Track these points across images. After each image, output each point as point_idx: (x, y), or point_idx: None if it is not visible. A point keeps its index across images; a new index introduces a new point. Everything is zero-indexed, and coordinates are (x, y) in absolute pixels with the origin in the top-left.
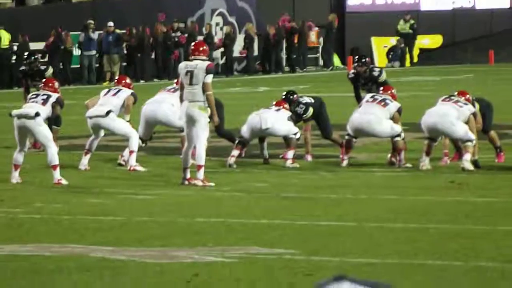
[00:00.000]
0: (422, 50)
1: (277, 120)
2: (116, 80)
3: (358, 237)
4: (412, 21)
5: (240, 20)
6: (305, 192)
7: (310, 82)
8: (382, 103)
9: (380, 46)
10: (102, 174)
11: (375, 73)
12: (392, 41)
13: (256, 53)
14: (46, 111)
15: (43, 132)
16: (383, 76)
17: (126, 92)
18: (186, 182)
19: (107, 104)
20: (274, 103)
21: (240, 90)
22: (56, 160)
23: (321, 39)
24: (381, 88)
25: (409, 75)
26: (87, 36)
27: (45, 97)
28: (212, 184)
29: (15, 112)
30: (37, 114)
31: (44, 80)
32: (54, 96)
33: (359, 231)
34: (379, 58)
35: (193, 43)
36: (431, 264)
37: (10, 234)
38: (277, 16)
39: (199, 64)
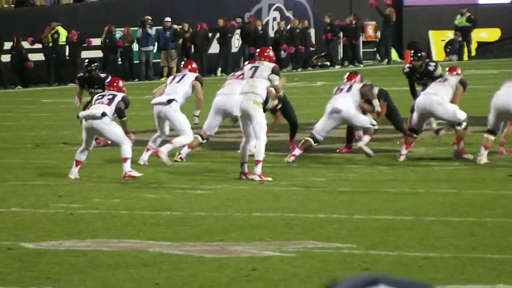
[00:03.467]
0: (480, 44)
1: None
2: (182, 65)
3: (416, 231)
4: (468, 14)
5: (297, 15)
6: (362, 187)
7: (367, 76)
8: (443, 80)
9: (438, 39)
10: (159, 169)
11: (430, 68)
12: (450, 34)
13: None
14: (112, 110)
15: (112, 130)
16: (439, 71)
17: (190, 77)
18: (244, 177)
19: (173, 93)
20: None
21: (298, 85)
22: (128, 154)
23: (378, 33)
24: (447, 69)
25: (467, 69)
26: (144, 32)
27: (110, 96)
28: (270, 179)
29: (82, 114)
30: (103, 114)
31: (107, 82)
32: (120, 96)
33: (416, 225)
34: (437, 52)
35: (258, 49)
36: (490, 258)
37: (69, 229)
38: (334, 10)
39: (266, 63)
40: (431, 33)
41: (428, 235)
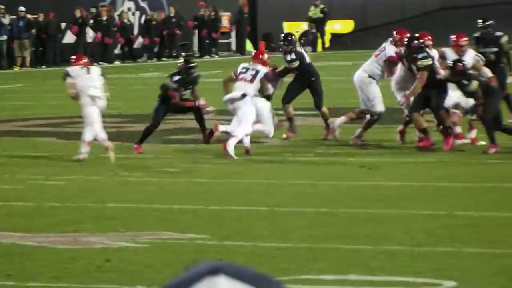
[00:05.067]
0: (334, 35)
1: None
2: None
3: (270, 222)
4: (322, 6)
5: (152, 6)
6: (217, 178)
7: (223, 67)
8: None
9: (292, 31)
10: (12, 160)
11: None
12: (304, 26)
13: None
14: (254, 88)
15: (245, 110)
16: (296, 64)
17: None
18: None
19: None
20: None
21: (153, 75)
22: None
23: (233, 25)
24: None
25: (321, 60)
26: None
27: (253, 72)
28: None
29: (226, 97)
30: (243, 96)
31: (253, 52)
32: (263, 71)
33: (270, 216)
34: None
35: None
36: (342, 248)
37: None
38: (190, 1)
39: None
40: (285, 24)
41: (282, 226)
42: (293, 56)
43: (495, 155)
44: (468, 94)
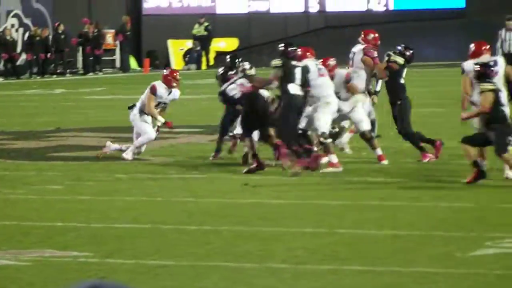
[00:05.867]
0: (218, 53)
1: None
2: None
3: (153, 239)
4: (206, 24)
5: (36, 22)
6: (100, 195)
7: (107, 84)
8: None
9: (177, 49)
10: None
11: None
12: (189, 44)
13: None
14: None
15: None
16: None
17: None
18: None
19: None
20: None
21: (36, 92)
22: None
23: (118, 41)
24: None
25: (206, 78)
26: None
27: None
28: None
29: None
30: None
31: None
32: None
33: (153, 233)
34: (176, 61)
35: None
36: (225, 265)
37: None
38: (73, 18)
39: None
40: (170, 42)
41: (165, 243)
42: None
43: (377, 173)
44: None
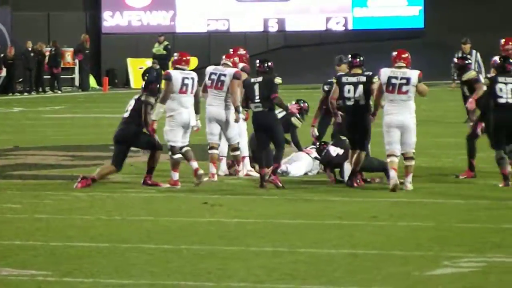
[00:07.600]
0: None
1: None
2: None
3: (111, 258)
4: (166, 43)
5: None
6: (58, 213)
7: (66, 102)
8: None
9: (136, 67)
10: None
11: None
12: (148, 62)
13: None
14: None
15: None
16: None
17: None
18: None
19: None
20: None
21: None
22: None
23: (77, 60)
24: None
25: None
26: None
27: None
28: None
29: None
30: None
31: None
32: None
33: (112, 252)
34: (135, 80)
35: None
36: (184, 284)
37: None
38: (32, 37)
39: None
40: (129, 60)
41: (124, 262)
42: None
43: (337, 192)
44: None
